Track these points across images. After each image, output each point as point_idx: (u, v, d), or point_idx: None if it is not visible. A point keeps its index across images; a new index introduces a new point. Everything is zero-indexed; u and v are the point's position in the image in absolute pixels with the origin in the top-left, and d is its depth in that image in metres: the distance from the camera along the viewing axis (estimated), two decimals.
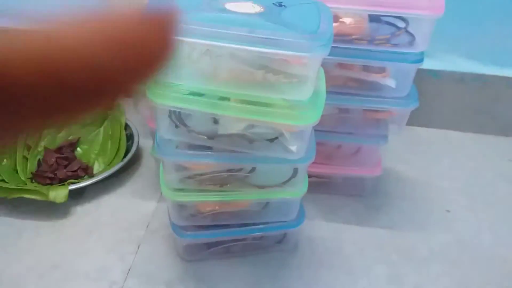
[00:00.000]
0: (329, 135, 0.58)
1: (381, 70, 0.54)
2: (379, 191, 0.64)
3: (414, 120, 0.77)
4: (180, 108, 0.41)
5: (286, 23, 0.36)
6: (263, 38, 0.35)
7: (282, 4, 0.38)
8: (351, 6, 0.47)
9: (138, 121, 0.71)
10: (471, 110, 0.78)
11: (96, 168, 0.64)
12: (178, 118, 0.43)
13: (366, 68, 0.54)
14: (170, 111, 0.43)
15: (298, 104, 0.39)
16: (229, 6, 0.37)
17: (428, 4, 0.47)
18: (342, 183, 0.64)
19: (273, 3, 0.38)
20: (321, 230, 0.58)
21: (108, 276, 0.51)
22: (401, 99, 0.54)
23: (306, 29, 0.36)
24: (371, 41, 0.50)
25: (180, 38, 0.37)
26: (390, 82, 0.54)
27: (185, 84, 0.40)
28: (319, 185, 0.62)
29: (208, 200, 0.47)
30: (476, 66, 0.75)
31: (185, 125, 0.43)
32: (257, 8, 0.37)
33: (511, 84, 0.74)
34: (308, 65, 0.37)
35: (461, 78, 0.75)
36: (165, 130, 0.43)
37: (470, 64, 0.75)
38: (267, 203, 0.51)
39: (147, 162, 0.67)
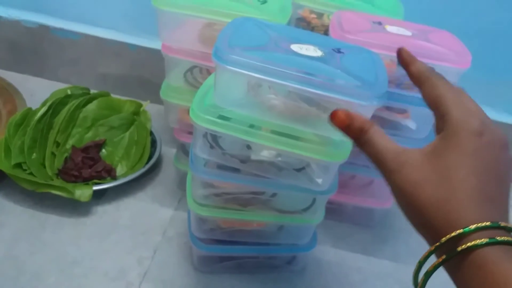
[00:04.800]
0: (346, 165, 0.60)
1: (403, 111, 0.57)
2: (386, 223, 0.67)
3: None
4: (217, 132, 0.44)
5: (346, 69, 0.40)
6: (324, 82, 0.37)
7: (341, 50, 0.41)
8: (384, 51, 0.50)
9: (162, 129, 0.73)
10: None
11: (119, 170, 0.66)
12: (213, 140, 0.46)
13: (389, 108, 0.57)
14: (206, 132, 0.46)
15: (329, 141, 0.42)
16: (294, 47, 0.40)
17: (456, 58, 0.50)
18: (352, 211, 0.66)
19: (332, 49, 0.41)
20: (329, 255, 0.61)
21: (125, 277, 0.53)
22: (419, 140, 0.57)
23: (365, 78, 0.39)
24: (398, 85, 0.53)
25: (245, 72, 0.41)
26: (411, 124, 0.57)
27: (243, 113, 0.43)
28: (330, 211, 0.64)
29: (230, 217, 0.50)
30: (491, 112, 0.78)
31: (219, 147, 0.45)
32: (318, 52, 0.40)
33: None
34: (363, 111, 0.39)
35: None
36: (200, 149, 0.46)
37: (485, 110, 0.78)
38: (282, 226, 0.54)
39: (167, 169, 0.70)
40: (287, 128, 0.43)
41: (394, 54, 0.50)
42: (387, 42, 0.50)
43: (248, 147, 0.46)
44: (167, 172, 0.70)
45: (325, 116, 0.42)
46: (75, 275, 0.53)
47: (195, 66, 0.59)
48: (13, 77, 0.78)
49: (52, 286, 0.51)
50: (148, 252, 0.57)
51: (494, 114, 0.77)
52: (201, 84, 0.49)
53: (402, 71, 0.55)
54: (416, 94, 0.54)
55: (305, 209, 0.50)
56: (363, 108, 0.40)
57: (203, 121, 0.43)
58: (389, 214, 0.67)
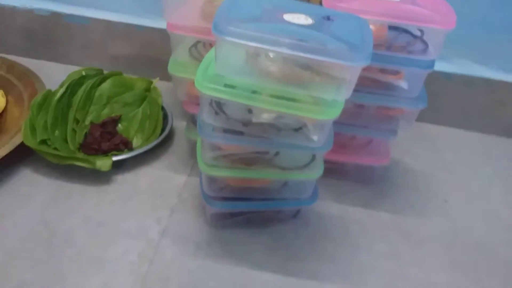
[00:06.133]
0: (345, 127, 0.65)
1: (396, 72, 0.61)
2: (386, 180, 0.71)
3: (424, 117, 0.83)
4: (220, 98, 0.48)
5: (334, 35, 0.44)
6: (315, 47, 0.42)
7: (330, 18, 0.46)
8: (374, 17, 0.53)
9: (172, 104, 0.78)
10: (477, 111, 0.84)
11: (135, 143, 0.72)
12: (218, 106, 0.50)
13: (382, 70, 0.60)
14: (211, 99, 0.50)
15: (322, 101, 0.47)
16: (286, 17, 0.45)
17: (441, 19, 0.53)
18: (353, 170, 0.71)
19: (322, 17, 0.46)
20: (331, 209, 0.66)
21: (146, 235, 0.59)
22: (412, 99, 0.61)
23: (352, 42, 0.43)
24: (389, 48, 0.57)
25: (243, 42, 0.46)
26: (403, 84, 0.60)
27: (244, 80, 0.47)
28: (332, 170, 0.69)
29: (237, 176, 0.55)
30: (486, 71, 0.81)
31: (224, 112, 0.50)
32: (309, 20, 0.45)
33: None
34: (351, 72, 0.44)
35: (470, 81, 0.81)
36: (206, 115, 0.51)
37: (480, 68, 0.81)
38: (286, 182, 0.59)
39: (179, 140, 0.75)
40: (284, 91, 0.47)
41: (384, 19, 0.54)
42: (377, 8, 0.54)
43: (250, 111, 0.50)
44: (179, 143, 0.75)
45: (318, 79, 0.47)
46: (102, 234, 0.59)
47: (199, 41, 0.63)
48: (29, 63, 0.83)
49: (82, 245, 0.57)
50: (166, 213, 0.62)
51: (489, 72, 0.80)
52: None
53: (391, 35, 0.59)
54: (407, 55, 0.58)
55: (306, 165, 0.55)
56: (352, 68, 0.44)
57: (207, 89, 0.47)
58: (388, 170, 0.72)
